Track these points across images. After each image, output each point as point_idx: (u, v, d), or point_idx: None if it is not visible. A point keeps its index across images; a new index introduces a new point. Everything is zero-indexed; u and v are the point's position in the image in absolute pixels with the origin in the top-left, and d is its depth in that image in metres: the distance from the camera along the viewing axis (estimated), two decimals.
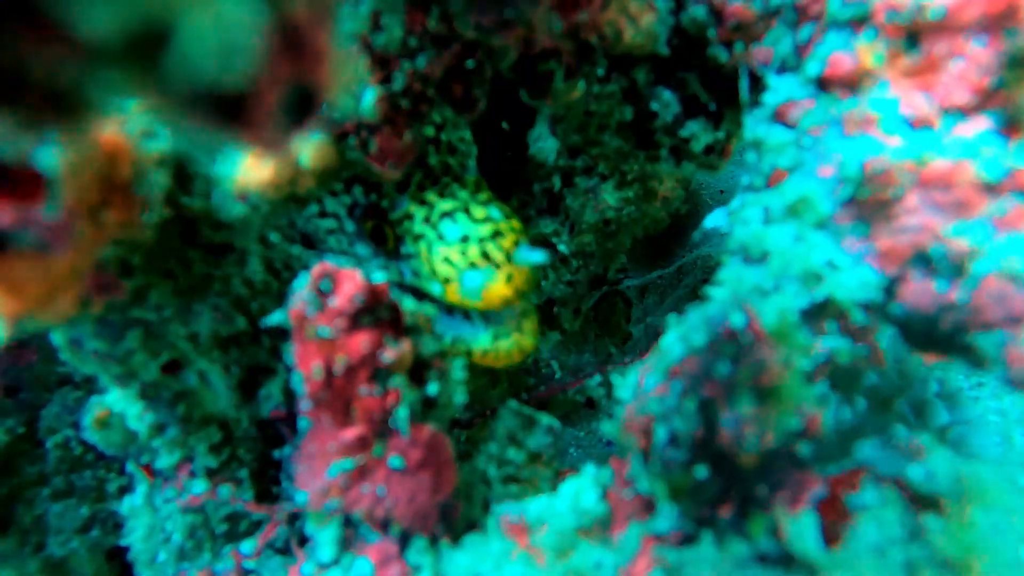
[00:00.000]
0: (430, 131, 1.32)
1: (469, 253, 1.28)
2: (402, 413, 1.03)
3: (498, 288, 1.27)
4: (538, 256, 1.27)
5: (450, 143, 1.35)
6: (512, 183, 1.60)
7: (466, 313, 1.37)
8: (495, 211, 1.32)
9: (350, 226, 1.37)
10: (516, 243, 1.29)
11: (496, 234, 1.29)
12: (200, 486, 1.46)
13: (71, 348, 1.26)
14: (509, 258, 1.28)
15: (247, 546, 1.46)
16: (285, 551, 1.46)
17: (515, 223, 1.33)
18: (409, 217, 1.33)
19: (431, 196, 1.33)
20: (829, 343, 0.92)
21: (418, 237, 1.32)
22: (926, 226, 0.98)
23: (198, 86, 0.50)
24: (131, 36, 0.47)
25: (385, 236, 1.36)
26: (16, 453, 1.79)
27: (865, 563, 0.87)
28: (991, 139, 0.98)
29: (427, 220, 1.32)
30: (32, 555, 1.80)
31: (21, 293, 0.90)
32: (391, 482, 1.07)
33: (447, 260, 1.29)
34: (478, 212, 1.31)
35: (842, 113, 1.07)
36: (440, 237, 1.30)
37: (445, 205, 1.32)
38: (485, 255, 1.27)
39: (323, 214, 1.36)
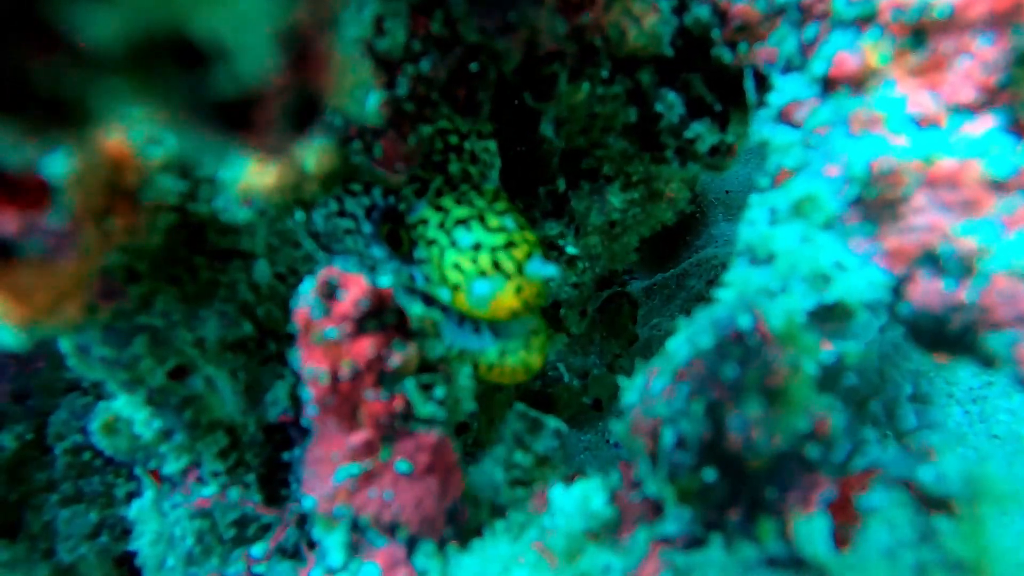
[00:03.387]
0: (454, 139, 1.32)
1: (480, 261, 1.27)
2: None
3: (507, 298, 1.26)
4: (550, 270, 1.26)
5: (473, 152, 1.34)
6: (516, 186, 1.60)
7: (476, 326, 1.36)
8: (510, 221, 1.32)
9: (367, 227, 1.37)
10: (529, 255, 1.28)
11: (509, 244, 1.28)
12: (209, 489, 1.46)
13: (78, 354, 1.26)
14: (520, 270, 1.27)
15: (258, 549, 1.47)
16: (294, 555, 1.46)
17: (529, 235, 1.32)
18: (424, 222, 1.33)
19: (448, 202, 1.33)
20: (837, 344, 0.92)
21: (431, 242, 1.32)
22: (934, 225, 0.98)
23: (205, 94, 0.50)
24: (135, 43, 0.47)
25: (400, 240, 1.36)
26: (25, 459, 1.80)
27: (876, 566, 0.87)
28: (999, 137, 0.98)
29: (441, 226, 1.31)
30: (41, 561, 1.80)
31: (28, 301, 0.90)
32: (398, 486, 1.07)
33: (457, 267, 1.28)
34: (493, 221, 1.31)
35: (848, 112, 1.07)
36: (452, 243, 1.30)
37: (461, 212, 1.32)
38: (496, 264, 1.27)
39: (342, 213, 1.36)
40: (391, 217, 1.36)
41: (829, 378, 0.92)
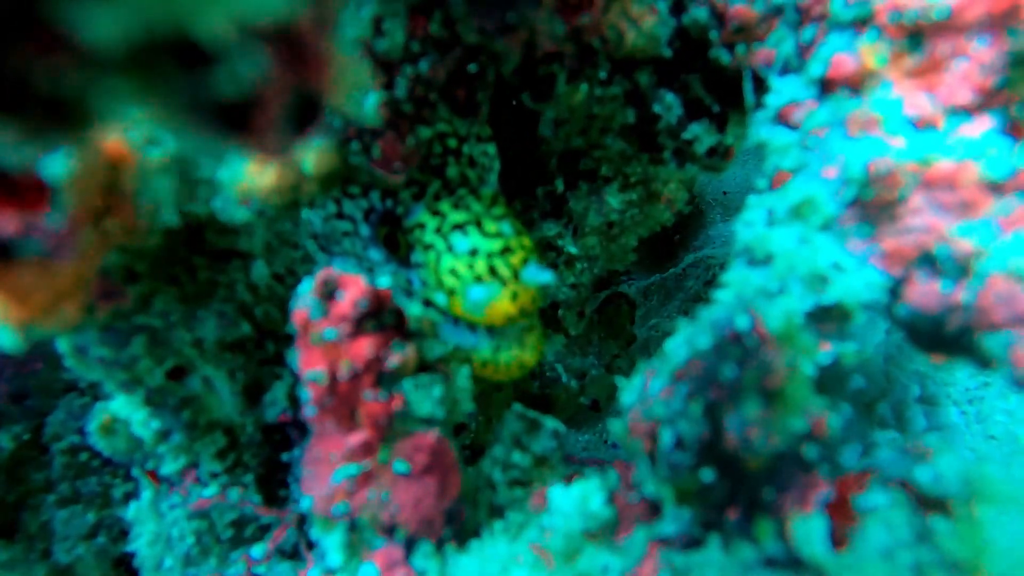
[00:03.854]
0: (452, 143, 1.32)
1: (476, 267, 1.27)
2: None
3: (502, 305, 1.26)
4: (546, 276, 1.26)
5: (471, 156, 1.34)
6: (515, 186, 1.60)
7: (471, 324, 1.36)
8: (507, 227, 1.31)
9: (365, 230, 1.37)
10: (525, 261, 1.28)
11: (505, 250, 1.28)
12: (210, 489, 1.46)
13: (76, 355, 1.26)
14: (516, 276, 1.26)
15: (258, 550, 1.47)
16: (293, 556, 1.46)
17: (526, 241, 1.32)
18: (421, 226, 1.33)
19: (445, 207, 1.33)
20: (836, 345, 0.92)
21: (428, 247, 1.31)
22: (931, 227, 0.98)
23: (205, 94, 0.50)
24: (135, 44, 0.47)
25: (398, 243, 1.36)
26: (22, 460, 1.79)
27: (873, 566, 0.87)
28: (995, 139, 0.98)
29: (438, 231, 1.31)
30: (38, 561, 1.80)
31: (26, 301, 0.90)
32: (396, 487, 1.07)
33: (453, 272, 1.28)
34: (490, 227, 1.30)
35: (846, 114, 1.07)
36: (449, 248, 1.29)
37: (457, 217, 1.31)
38: (492, 270, 1.26)
39: (340, 215, 1.36)
40: (389, 220, 1.36)
41: (835, 380, 0.93)
